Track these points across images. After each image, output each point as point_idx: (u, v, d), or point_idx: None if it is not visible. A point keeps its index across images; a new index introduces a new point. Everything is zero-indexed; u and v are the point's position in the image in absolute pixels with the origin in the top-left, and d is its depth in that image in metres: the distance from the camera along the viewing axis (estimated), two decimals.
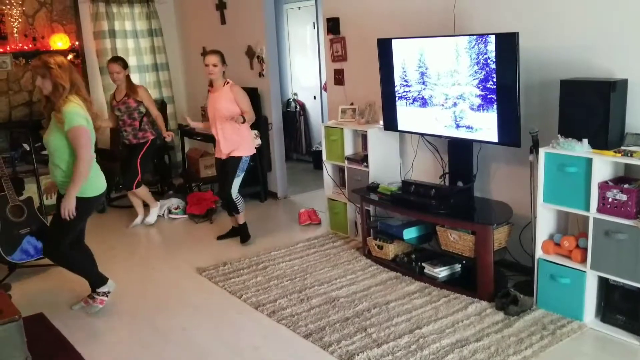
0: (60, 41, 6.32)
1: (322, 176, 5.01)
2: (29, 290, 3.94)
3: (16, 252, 4.10)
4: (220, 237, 4.89)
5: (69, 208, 3.17)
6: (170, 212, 5.64)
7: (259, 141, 5.70)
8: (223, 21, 6.33)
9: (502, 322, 3.17)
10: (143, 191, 5.31)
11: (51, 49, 6.25)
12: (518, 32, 3.27)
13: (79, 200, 3.23)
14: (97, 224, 5.57)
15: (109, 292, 3.63)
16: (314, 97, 7.64)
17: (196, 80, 7.06)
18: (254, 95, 5.93)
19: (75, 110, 3.16)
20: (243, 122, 4.40)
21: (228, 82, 4.53)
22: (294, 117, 7.80)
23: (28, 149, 5.39)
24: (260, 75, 5.91)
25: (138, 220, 5.41)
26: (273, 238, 4.82)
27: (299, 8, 7.59)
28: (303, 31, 7.60)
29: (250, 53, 5.98)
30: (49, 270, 4.29)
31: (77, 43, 6.47)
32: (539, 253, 3.30)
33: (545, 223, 3.30)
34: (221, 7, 6.29)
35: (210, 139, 5.89)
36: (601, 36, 3.20)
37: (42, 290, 3.99)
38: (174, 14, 7.16)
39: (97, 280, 3.59)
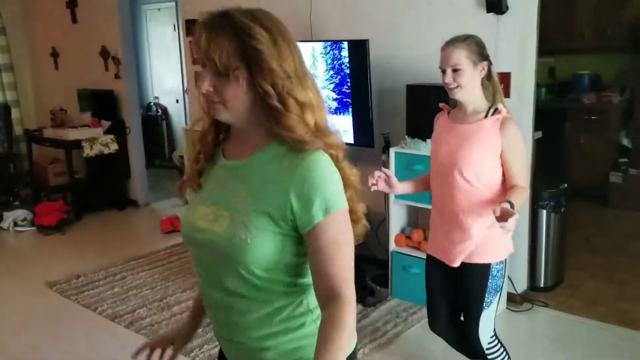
0: None
1: None
2: None
3: None
4: None
5: None
6: (16, 224, 5.18)
7: (116, 146, 5.44)
8: (74, 20, 5.94)
9: (360, 313, 3.32)
10: None
11: None
12: (368, 40, 3.46)
13: None
14: None
15: None
16: (177, 101, 7.44)
17: (45, 82, 6.55)
18: (109, 98, 5.65)
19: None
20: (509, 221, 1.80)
21: (498, 111, 2.15)
22: (156, 121, 7.53)
23: None
24: (117, 76, 5.63)
25: None
26: (133, 247, 4.60)
27: (159, 9, 7.36)
28: (163, 33, 7.38)
29: (105, 54, 5.68)
30: None
31: None
32: (392, 246, 3.52)
33: (397, 218, 3.53)
34: (72, 5, 5.90)
35: (60, 144, 5.49)
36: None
37: None
38: (20, 12, 6.56)
39: None
